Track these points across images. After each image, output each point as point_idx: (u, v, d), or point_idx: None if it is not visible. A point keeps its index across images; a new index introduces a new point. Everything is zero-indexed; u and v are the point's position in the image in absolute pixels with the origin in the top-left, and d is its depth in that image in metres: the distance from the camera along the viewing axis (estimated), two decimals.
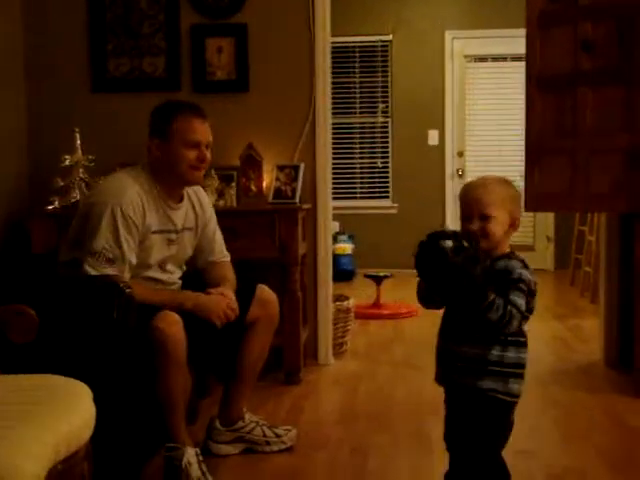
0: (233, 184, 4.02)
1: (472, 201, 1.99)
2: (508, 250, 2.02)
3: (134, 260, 2.71)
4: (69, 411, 1.80)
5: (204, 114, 2.82)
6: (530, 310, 1.94)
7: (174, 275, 2.93)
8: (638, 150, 3.50)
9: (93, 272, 2.63)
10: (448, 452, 2.08)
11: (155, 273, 2.84)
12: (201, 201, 3.00)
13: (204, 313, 2.71)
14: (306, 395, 3.73)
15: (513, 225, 2.01)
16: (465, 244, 1.84)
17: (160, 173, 2.80)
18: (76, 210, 2.97)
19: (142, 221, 2.72)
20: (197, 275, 3.01)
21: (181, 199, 2.89)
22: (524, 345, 1.99)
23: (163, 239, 2.82)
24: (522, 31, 3.84)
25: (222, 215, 3.70)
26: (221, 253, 3.06)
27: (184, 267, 3.00)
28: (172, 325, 2.55)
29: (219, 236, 3.07)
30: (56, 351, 2.43)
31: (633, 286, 3.68)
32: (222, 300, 2.76)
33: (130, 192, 2.71)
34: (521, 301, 1.89)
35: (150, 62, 4.21)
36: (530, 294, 1.93)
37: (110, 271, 2.64)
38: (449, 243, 1.83)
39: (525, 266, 1.96)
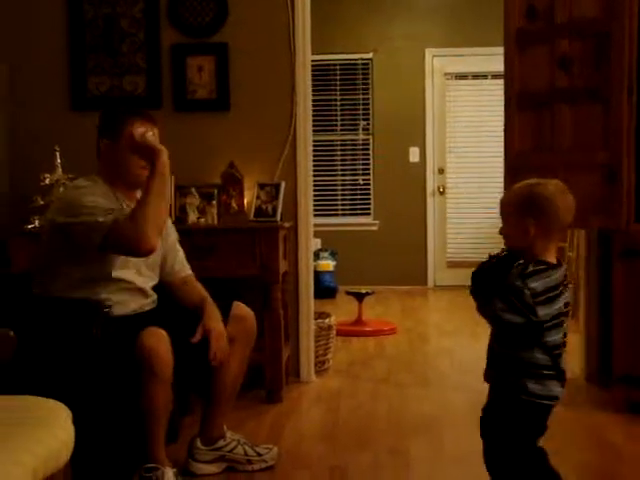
0: (214, 202, 4.02)
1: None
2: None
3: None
4: (47, 433, 1.78)
5: (154, 121, 2.87)
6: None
7: (149, 282, 2.90)
8: (615, 167, 3.54)
9: (100, 219, 2.57)
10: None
11: (131, 276, 2.81)
12: None
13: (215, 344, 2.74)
14: (287, 413, 3.72)
15: None
16: None
17: (114, 177, 2.81)
18: None
19: None
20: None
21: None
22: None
23: None
24: (502, 49, 3.86)
25: (203, 233, 3.73)
26: (185, 264, 3.06)
27: (156, 277, 2.96)
28: (160, 342, 2.53)
29: (179, 247, 3.07)
30: (34, 371, 2.41)
31: (612, 301, 3.71)
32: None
33: (91, 194, 2.70)
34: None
35: (130, 81, 4.21)
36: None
37: (111, 218, 2.59)
38: None
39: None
